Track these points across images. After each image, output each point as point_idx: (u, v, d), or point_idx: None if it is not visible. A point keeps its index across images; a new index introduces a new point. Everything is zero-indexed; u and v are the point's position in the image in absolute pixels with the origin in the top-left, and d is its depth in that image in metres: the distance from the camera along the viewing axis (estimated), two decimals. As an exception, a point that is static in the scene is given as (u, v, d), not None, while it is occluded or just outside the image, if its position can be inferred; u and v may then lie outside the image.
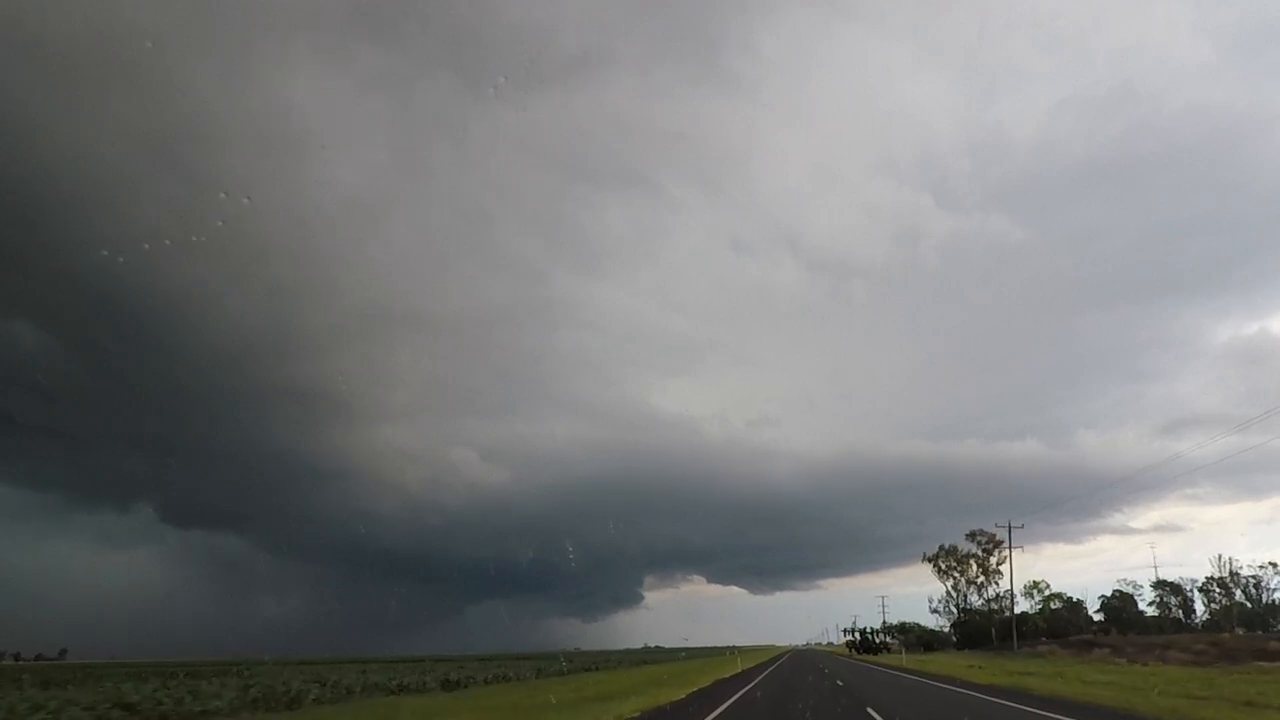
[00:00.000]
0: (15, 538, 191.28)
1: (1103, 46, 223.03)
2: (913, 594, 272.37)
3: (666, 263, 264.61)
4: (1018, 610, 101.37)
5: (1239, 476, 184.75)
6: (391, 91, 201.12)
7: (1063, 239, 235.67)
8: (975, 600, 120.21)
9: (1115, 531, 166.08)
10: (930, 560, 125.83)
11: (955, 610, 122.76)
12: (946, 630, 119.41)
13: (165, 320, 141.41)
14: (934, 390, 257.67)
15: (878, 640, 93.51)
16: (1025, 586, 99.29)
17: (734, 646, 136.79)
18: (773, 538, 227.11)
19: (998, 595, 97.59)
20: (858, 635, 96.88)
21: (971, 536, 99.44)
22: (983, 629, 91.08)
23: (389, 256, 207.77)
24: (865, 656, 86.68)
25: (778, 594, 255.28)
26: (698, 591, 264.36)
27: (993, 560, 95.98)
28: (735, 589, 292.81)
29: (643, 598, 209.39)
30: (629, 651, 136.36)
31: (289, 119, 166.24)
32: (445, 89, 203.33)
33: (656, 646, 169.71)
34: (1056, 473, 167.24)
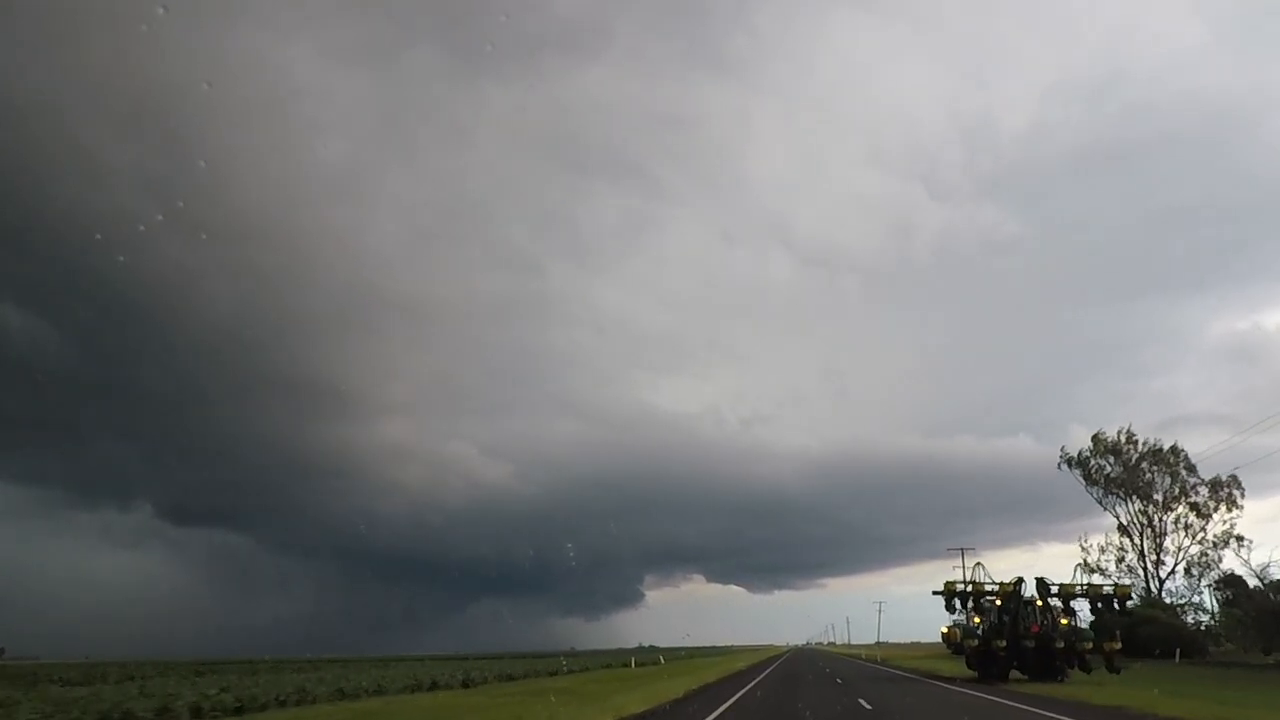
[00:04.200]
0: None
1: (1095, 28, 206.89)
2: (913, 594, 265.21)
3: (658, 255, 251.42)
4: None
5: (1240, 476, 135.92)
6: (374, 66, 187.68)
7: (1055, 230, 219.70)
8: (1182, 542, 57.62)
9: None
10: (1077, 465, 63.08)
11: (1147, 570, 59.08)
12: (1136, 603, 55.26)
13: (153, 310, 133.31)
14: (928, 386, 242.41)
15: (1075, 632, 27.80)
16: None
17: (659, 653, 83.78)
18: (770, 536, 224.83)
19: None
20: (1000, 623, 29.17)
21: None
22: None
23: (385, 248, 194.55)
24: (1042, 688, 23.52)
25: (777, 593, 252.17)
26: (697, 591, 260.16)
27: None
28: (735, 588, 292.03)
29: (643, 597, 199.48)
30: (622, 651, 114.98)
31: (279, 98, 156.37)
32: (431, 63, 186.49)
33: (651, 646, 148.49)
34: (1054, 470, 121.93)
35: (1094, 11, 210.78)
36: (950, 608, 29.43)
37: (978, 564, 29.56)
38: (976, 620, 29.95)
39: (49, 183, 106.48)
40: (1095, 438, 61.55)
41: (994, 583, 29.13)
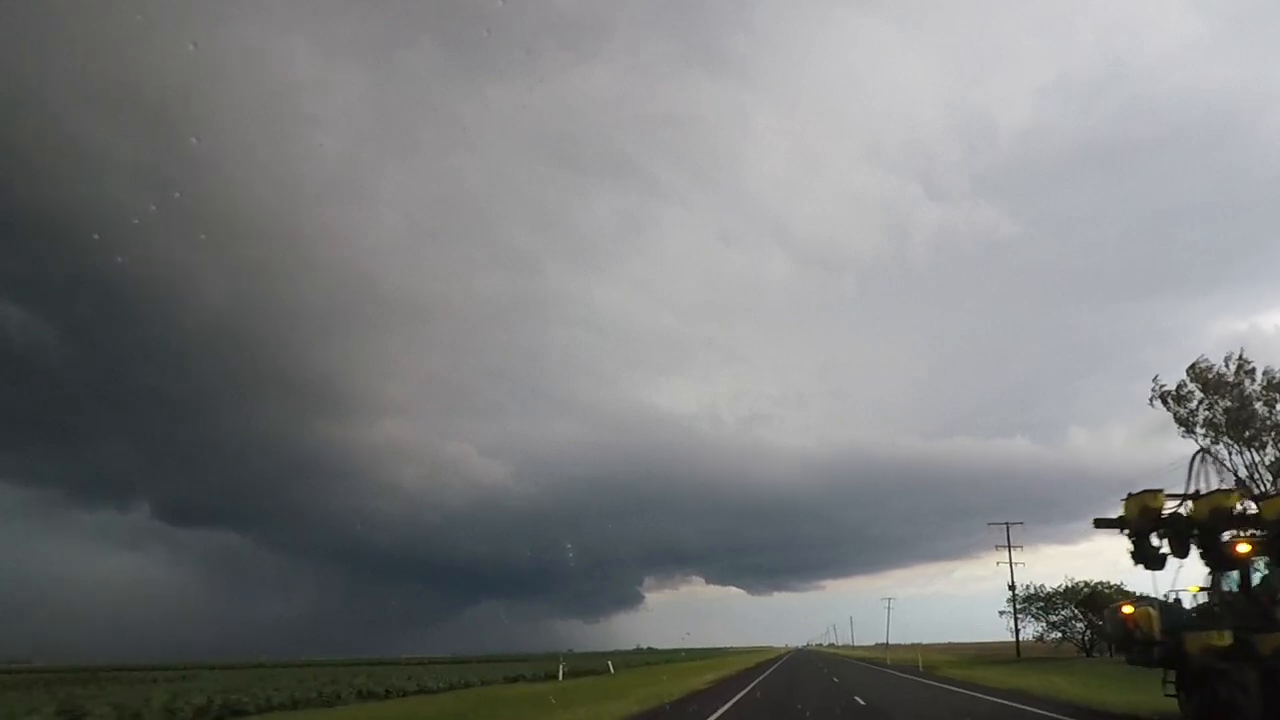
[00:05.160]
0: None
1: (1091, 24, 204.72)
2: (914, 596, 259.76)
3: (656, 255, 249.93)
4: None
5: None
6: (372, 62, 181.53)
7: (1053, 229, 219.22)
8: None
9: (1110, 532, 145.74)
10: (1175, 401, 49.18)
11: None
12: None
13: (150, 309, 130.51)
14: (926, 386, 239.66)
15: None
16: None
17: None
18: (769, 537, 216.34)
19: None
20: (1259, 599, 12.72)
21: None
22: None
23: (384, 247, 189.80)
24: None
25: (776, 594, 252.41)
26: (696, 592, 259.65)
27: None
28: (734, 589, 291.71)
29: (643, 598, 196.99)
30: (618, 653, 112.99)
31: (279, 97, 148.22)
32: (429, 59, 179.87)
33: (649, 648, 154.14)
34: (1052, 471, 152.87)
35: (1091, 8, 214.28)
36: (1142, 557, 13.34)
37: (1201, 452, 13.40)
38: (1195, 589, 13.97)
39: (46, 179, 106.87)
40: (1193, 368, 46.09)
41: (1245, 496, 13.10)
